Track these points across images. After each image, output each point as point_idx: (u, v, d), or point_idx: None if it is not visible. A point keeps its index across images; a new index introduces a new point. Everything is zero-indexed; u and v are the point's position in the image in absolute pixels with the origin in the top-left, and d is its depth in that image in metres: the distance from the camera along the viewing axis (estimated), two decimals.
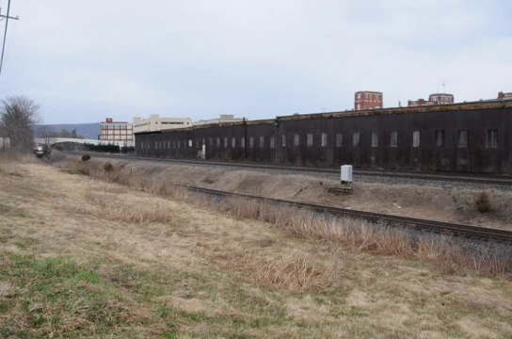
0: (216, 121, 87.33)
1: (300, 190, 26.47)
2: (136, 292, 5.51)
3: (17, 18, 28.93)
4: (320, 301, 6.77)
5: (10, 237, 7.30)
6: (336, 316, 6.04)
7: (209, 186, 32.35)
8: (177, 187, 24.40)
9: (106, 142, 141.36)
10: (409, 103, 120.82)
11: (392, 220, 15.94)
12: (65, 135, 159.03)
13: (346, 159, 36.98)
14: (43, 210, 12.47)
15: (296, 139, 44.69)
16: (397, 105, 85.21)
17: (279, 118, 47.53)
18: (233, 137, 55.16)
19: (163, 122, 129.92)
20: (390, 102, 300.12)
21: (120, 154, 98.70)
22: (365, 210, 20.07)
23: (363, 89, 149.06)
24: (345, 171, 24.58)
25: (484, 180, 23.17)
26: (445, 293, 7.47)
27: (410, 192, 21.52)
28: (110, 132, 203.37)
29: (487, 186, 20.08)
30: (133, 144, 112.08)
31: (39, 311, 3.88)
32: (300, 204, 20.54)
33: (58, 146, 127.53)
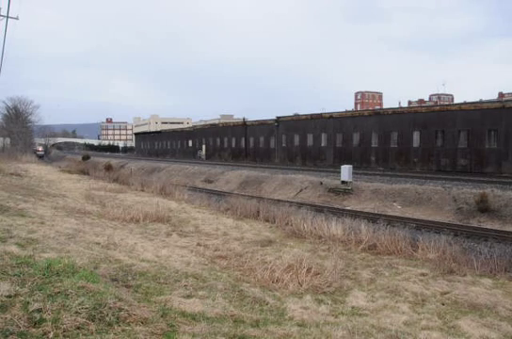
0: (216, 121, 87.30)
1: (300, 190, 26.47)
2: (136, 292, 5.51)
3: (17, 18, 28.88)
4: (320, 301, 6.77)
5: (10, 237, 7.30)
6: (336, 316, 6.04)
7: (209, 186, 32.34)
8: (177, 187, 24.40)
9: (106, 142, 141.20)
10: (409, 103, 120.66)
11: (391, 220, 15.93)
12: (65, 135, 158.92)
13: (346, 159, 36.96)
14: (43, 210, 12.48)
15: (296, 139, 44.68)
16: (397, 105, 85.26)
17: (279, 118, 47.52)
18: (233, 137, 55.14)
19: (163, 122, 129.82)
20: (390, 102, 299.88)
21: (120, 154, 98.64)
22: (365, 210, 20.06)
23: (363, 89, 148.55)
24: (345, 171, 24.60)
25: (484, 180, 23.16)
26: (445, 293, 7.47)
27: (410, 192, 21.52)
28: (110, 132, 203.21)
29: (487, 186, 20.08)
30: (133, 144, 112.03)
31: (39, 311, 3.88)
32: (300, 204, 20.54)
33: (58, 146, 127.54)
